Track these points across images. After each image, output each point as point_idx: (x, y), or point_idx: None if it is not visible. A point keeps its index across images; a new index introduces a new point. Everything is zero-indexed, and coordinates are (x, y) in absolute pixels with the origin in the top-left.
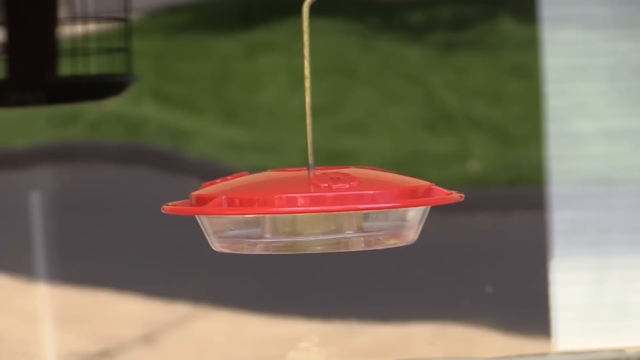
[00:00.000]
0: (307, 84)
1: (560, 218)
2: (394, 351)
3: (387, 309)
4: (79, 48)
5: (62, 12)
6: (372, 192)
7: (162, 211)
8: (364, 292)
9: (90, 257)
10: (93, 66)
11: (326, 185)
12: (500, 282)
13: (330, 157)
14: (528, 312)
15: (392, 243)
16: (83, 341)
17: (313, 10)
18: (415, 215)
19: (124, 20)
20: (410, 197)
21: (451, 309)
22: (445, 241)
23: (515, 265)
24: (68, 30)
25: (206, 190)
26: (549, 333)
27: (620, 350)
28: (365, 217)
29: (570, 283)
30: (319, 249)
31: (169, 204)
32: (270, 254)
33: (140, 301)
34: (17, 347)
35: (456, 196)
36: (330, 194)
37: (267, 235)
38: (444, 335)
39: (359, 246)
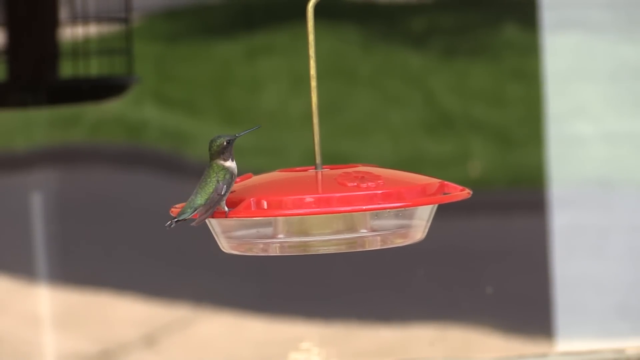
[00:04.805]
0: (313, 83)
1: (561, 220)
2: (394, 352)
3: (388, 310)
4: (80, 49)
5: (63, 13)
6: (401, 190)
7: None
8: (365, 294)
9: (91, 259)
10: (94, 68)
11: (354, 184)
12: (500, 284)
13: (331, 159)
14: (528, 313)
15: (404, 241)
16: (83, 342)
17: (315, 13)
18: (428, 213)
19: (125, 20)
20: (432, 193)
21: (452, 310)
22: (445, 243)
23: (516, 266)
24: (69, 32)
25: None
26: (549, 334)
27: (620, 351)
28: (379, 216)
29: (570, 284)
30: (333, 249)
31: (178, 206)
32: (279, 255)
33: (141, 303)
34: (17, 348)
35: (468, 191)
36: (360, 193)
37: (281, 236)
38: (444, 336)
39: (375, 245)
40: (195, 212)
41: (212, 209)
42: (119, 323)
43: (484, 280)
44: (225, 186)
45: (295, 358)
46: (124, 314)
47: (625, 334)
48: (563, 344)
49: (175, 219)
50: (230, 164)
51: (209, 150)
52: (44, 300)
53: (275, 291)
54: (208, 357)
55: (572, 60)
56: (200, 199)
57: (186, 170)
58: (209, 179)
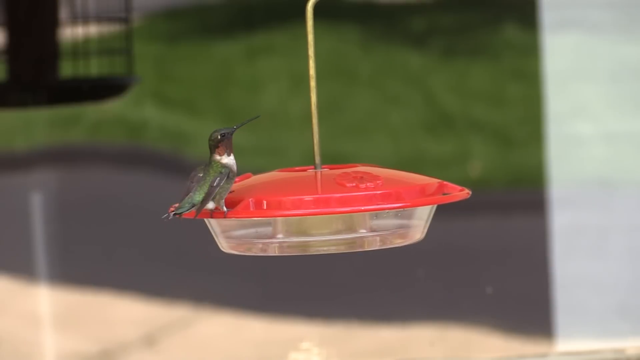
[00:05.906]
0: (313, 83)
1: (561, 220)
2: (394, 352)
3: (388, 310)
4: (80, 49)
5: (63, 13)
6: (400, 190)
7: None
8: (365, 294)
9: (91, 259)
10: (94, 68)
11: (353, 184)
12: (500, 284)
13: (331, 160)
14: (528, 313)
15: (403, 241)
16: (84, 342)
17: (315, 13)
18: (427, 213)
19: (125, 20)
20: (431, 193)
21: (452, 310)
22: (446, 243)
23: (516, 266)
24: (69, 32)
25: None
26: (549, 334)
27: (621, 351)
28: (378, 216)
29: (570, 284)
30: (333, 249)
31: (176, 205)
32: (278, 255)
33: (140, 302)
34: (18, 348)
35: (467, 191)
36: (359, 194)
37: (280, 236)
38: (444, 336)
39: (374, 245)
40: (193, 208)
41: (206, 201)
42: (119, 323)
43: (484, 280)
44: (218, 178)
45: (295, 358)
46: (124, 314)
47: (625, 334)
48: (563, 344)
49: (173, 213)
50: (228, 159)
51: (209, 145)
52: (44, 300)
53: (275, 291)
54: (208, 357)
55: (572, 60)
56: (198, 196)
57: (186, 170)
58: (207, 177)
